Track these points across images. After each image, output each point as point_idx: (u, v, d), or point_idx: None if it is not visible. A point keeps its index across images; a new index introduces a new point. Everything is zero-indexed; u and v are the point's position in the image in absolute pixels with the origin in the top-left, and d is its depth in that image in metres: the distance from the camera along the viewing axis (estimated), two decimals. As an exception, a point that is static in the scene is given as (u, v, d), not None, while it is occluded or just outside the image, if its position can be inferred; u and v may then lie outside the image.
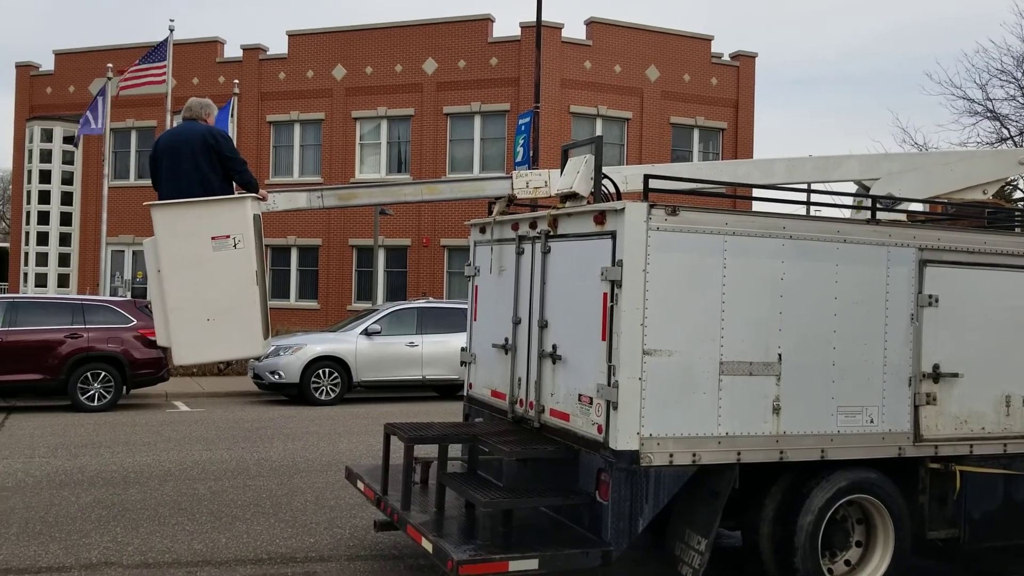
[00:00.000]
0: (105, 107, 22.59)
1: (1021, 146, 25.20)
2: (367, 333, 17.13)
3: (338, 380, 16.78)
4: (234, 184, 6.75)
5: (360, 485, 7.11)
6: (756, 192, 9.26)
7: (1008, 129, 26.45)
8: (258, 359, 17.06)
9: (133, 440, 12.21)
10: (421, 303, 18.51)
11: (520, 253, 6.89)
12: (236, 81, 27.57)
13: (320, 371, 16.68)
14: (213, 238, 6.42)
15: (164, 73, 23.27)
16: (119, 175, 31.13)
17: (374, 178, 28.74)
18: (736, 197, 7.58)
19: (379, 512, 6.89)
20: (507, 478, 5.97)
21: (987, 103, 26.48)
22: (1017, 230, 7.82)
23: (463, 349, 7.93)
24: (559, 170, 7.37)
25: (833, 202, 7.07)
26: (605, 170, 6.54)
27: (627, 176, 7.26)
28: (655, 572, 6.76)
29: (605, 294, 5.67)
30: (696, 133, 30.23)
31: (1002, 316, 6.63)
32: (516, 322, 6.85)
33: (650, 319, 5.60)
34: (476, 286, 7.71)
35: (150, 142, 31.43)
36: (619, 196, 6.68)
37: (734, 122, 30.53)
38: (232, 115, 23.43)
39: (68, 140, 22.16)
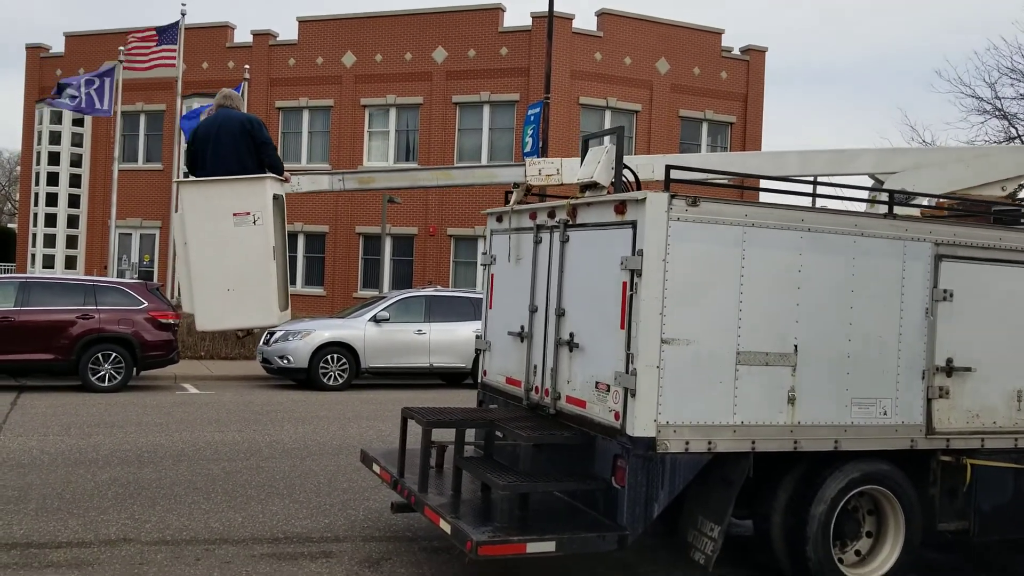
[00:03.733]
0: (112, 89, 22.58)
1: None
2: (376, 320, 17.21)
3: (346, 366, 16.87)
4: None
5: (376, 468, 7.19)
6: (764, 184, 9.31)
7: (1016, 128, 26.44)
8: (267, 343, 17.21)
9: (145, 421, 12.30)
10: (429, 291, 18.58)
11: (538, 242, 6.95)
12: (247, 66, 27.60)
13: (328, 357, 16.77)
14: (235, 214, 6.80)
15: (174, 56, 23.32)
16: (128, 158, 31.21)
17: (382, 166, 28.78)
18: (743, 188, 7.64)
19: (394, 494, 6.98)
20: (524, 462, 6.04)
21: (996, 102, 26.49)
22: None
23: (478, 336, 8.01)
24: (571, 159, 7.47)
25: (838, 194, 7.12)
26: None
27: (638, 164, 7.32)
28: (667, 558, 6.86)
29: (625, 283, 5.74)
30: (705, 127, 30.25)
31: (1016, 312, 6.68)
32: (533, 310, 6.92)
33: (669, 308, 5.67)
34: (492, 274, 7.78)
35: (159, 125, 31.60)
36: (639, 186, 6.74)
37: (743, 116, 30.53)
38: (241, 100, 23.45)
39: (60, 96, 21.95)
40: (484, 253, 7.93)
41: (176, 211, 7.45)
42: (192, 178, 7.05)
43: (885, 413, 6.28)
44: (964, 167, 7.64)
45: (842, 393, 6.16)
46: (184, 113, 24.71)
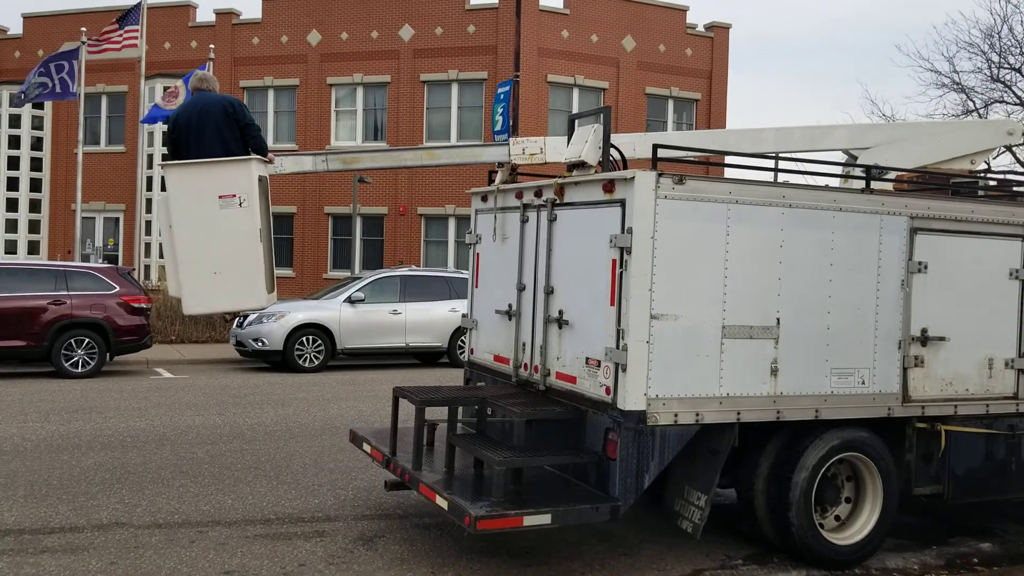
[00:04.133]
0: (79, 72, 22.18)
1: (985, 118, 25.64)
2: (351, 301, 17.21)
3: (322, 347, 16.87)
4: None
5: (367, 447, 7.26)
6: (738, 161, 9.49)
7: (974, 102, 26.94)
8: (240, 326, 17.14)
9: (123, 406, 12.26)
10: (404, 271, 18.60)
11: (524, 221, 7.04)
12: (211, 46, 27.18)
13: (304, 338, 16.75)
14: (220, 197, 6.81)
15: (136, 38, 22.94)
16: (90, 141, 30.65)
17: (350, 145, 28.61)
18: (709, 164, 7.86)
19: (386, 473, 7.07)
20: (517, 438, 6.16)
21: (953, 75, 26.97)
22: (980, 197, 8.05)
23: (464, 316, 8.10)
24: (554, 138, 7.55)
25: (812, 170, 7.27)
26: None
27: (620, 143, 7.42)
28: (655, 527, 7.04)
29: (614, 260, 5.86)
30: (671, 103, 30.42)
31: (986, 282, 6.91)
32: (521, 288, 7.02)
33: (657, 285, 5.80)
34: (477, 254, 7.86)
35: (121, 107, 31.11)
36: (625, 165, 6.85)
37: (707, 93, 30.75)
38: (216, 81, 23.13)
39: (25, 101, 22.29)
40: (470, 232, 8.01)
41: (160, 193, 7.46)
42: (177, 160, 7.03)
43: (863, 382, 6.49)
44: (936, 141, 7.84)
45: (822, 364, 6.35)
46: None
